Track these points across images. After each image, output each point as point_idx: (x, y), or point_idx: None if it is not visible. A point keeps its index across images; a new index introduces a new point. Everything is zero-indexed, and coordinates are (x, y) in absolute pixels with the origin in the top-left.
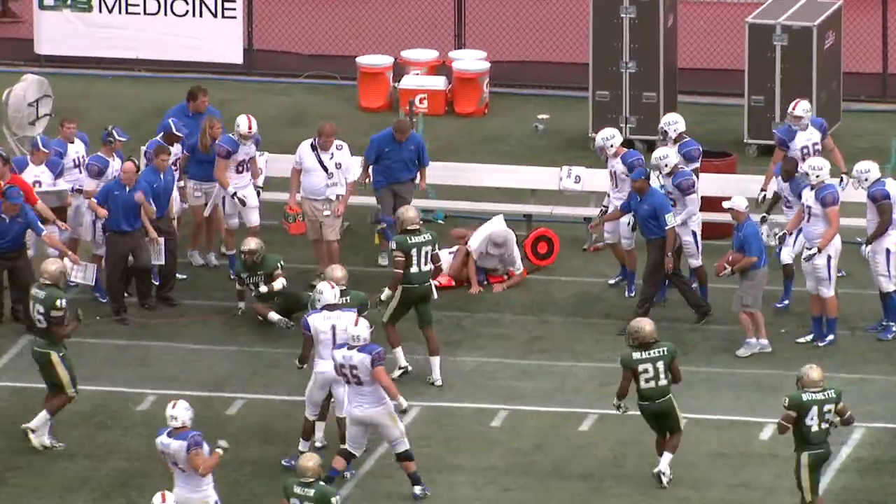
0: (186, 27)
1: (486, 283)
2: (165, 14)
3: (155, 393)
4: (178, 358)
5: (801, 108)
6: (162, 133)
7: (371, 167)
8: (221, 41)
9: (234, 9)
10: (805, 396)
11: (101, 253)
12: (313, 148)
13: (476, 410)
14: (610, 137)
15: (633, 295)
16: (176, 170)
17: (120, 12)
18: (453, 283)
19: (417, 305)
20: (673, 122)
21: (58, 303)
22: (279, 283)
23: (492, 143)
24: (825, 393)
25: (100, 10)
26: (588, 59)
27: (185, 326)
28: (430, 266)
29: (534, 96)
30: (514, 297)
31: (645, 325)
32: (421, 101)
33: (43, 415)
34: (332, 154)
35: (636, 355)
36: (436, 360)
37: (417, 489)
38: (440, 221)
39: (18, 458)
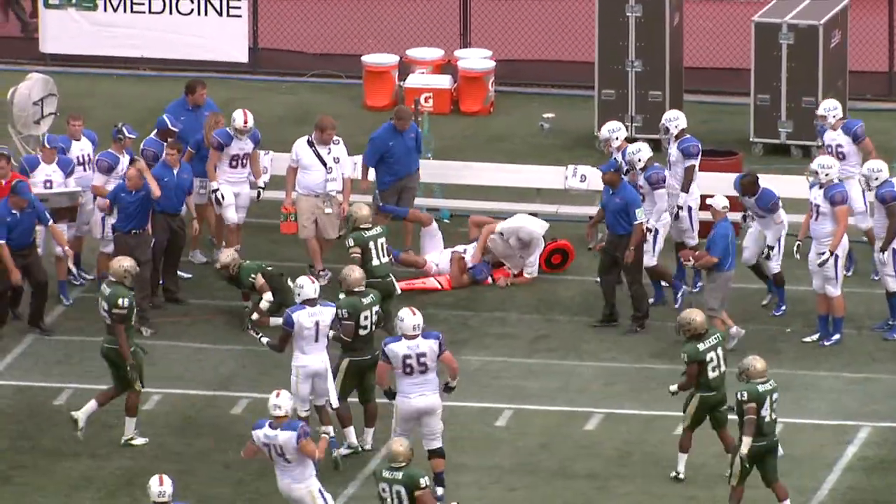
0: (191, 26)
1: (490, 279)
2: (170, 13)
3: (159, 392)
4: (184, 357)
5: (823, 106)
6: (156, 130)
7: (374, 169)
8: (226, 40)
9: (240, 7)
10: (761, 388)
11: (108, 250)
12: (310, 144)
13: (481, 410)
14: (616, 129)
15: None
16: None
17: (125, 11)
18: (451, 288)
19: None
20: (675, 119)
21: (119, 301)
22: (265, 303)
23: (497, 141)
24: (770, 383)
25: (105, 9)
26: (594, 58)
27: (189, 325)
28: (387, 258)
29: (539, 95)
30: (520, 296)
31: (695, 315)
32: (426, 99)
33: (129, 421)
34: (330, 149)
35: (701, 346)
36: None
37: (440, 490)
38: (446, 220)
39: (23, 457)
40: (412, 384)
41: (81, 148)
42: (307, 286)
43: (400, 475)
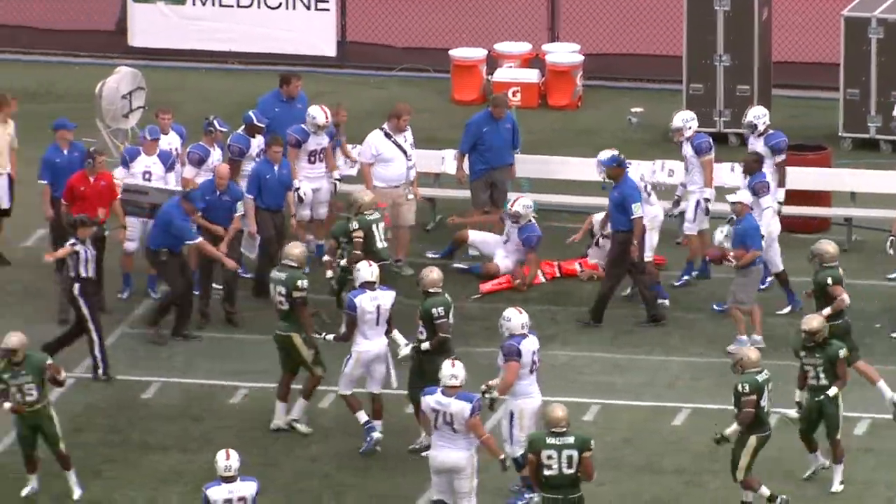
0: (280, 19)
1: (578, 267)
2: (259, 6)
3: (247, 386)
4: (272, 351)
5: None
6: (243, 125)
7: (467, 157)
8: (315, 33)
9: (328, 1)
10: (759, 379)
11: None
12: (387, 135)
13: (568, 405)
14: (689, 119)
15: (680, 283)
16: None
17: (213, 5)
18: (512, 283)
19: None
20: (763, 115)
21: (299, 283)
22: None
23: (585, 136)
24: (765, 373)
25: (193, 3)
26: (682, 52)
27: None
28: (386, 243)
29: (627, 89)
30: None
31: (814, 320)
32: (514, 94)
33: (300, 403)
34: (405, 136)
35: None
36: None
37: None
38: (534, 214)
39: (113, 451)
40: (531, 383)
41: (169, 142)
42: (363, 269)
43: (571, 439)
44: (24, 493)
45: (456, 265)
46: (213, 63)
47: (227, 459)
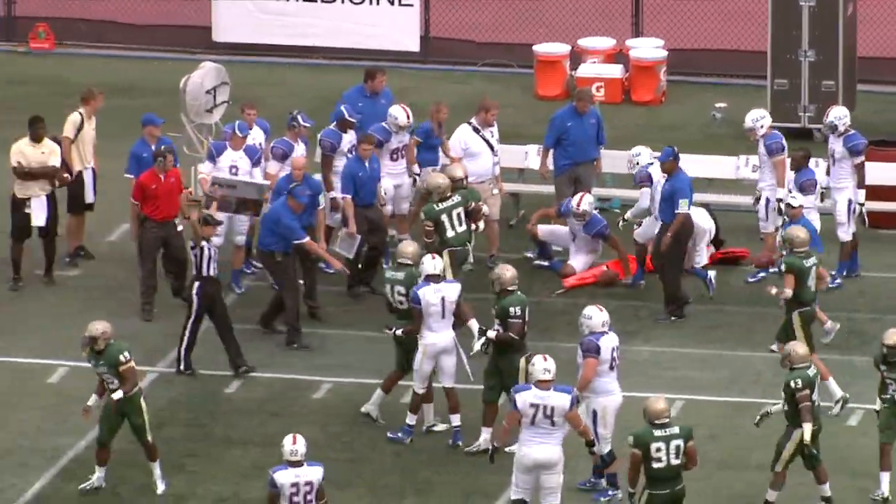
0: (363, 14)
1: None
2: (343, 2)
3: (330, 381)
4: (356, 346)
5: None
6: (335, 121)
7: (551, 152)
8: (398, 29)
9: None
10: (810, 373)
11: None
12: (475, 130)
13: None
14: (760, 118)
15: (754, 279)
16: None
17: (297, 0)
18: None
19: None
20: (843, 116)
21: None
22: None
23: (669, 131)
24: (812, 367)
25: None
26: (767, 48)
27: (364, 313)
28: (464, 226)
29: (711, 85)
30: (691, 287)
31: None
32: (598, 89)
33: (428, 408)
34: (492, 131)
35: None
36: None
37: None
38: (616, 210)
39: (195, 445)
40: (612, 380)
41: (253, 137)
42: (427, 262)
43: (677, 429)
44: (80, 486)
45: (536, 262)
46: (297, 58)
47: (294, 444)
